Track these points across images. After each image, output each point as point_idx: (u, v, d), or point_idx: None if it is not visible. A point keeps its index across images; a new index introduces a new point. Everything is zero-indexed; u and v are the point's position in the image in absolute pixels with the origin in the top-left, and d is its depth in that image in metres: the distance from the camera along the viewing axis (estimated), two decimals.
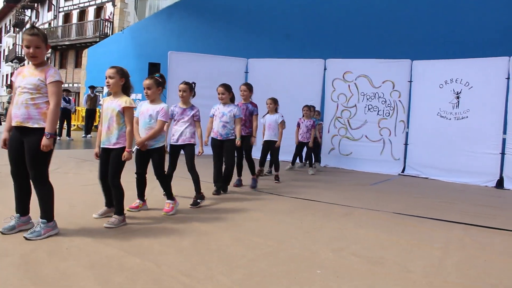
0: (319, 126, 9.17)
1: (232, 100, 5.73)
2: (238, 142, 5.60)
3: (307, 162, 8.73)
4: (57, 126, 3.35)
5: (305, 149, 8.55)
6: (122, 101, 3.77)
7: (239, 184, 6.30)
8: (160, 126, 4.24)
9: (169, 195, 4.46)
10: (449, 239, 4.00)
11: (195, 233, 3.68)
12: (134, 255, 2.98)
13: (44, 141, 3.17)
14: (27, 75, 3.27)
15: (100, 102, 3.87)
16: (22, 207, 3.41)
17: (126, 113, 3.77)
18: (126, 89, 3.91)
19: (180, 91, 4.97)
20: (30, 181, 3.34)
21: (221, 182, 5.61)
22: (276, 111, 7.13)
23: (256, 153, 6.97)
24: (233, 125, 5.58)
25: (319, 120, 9.44)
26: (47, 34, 32.30)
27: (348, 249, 3.46)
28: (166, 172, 4.63)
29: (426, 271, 3.05)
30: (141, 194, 4.48)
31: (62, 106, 10.53)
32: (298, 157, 8.75)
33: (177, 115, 4.95)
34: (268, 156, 7.16)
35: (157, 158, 4.32)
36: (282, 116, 7.11)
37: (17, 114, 3.21)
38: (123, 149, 3.77)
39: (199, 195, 4.89)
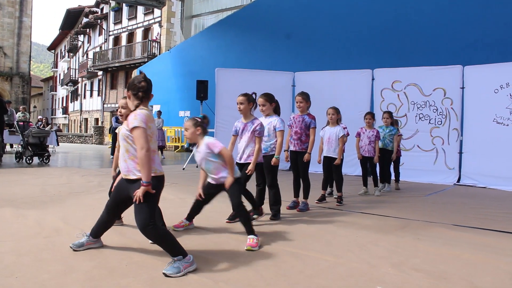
0: (398, 137, 7.82)
1: (276, 111, 5.04)
2: (274, 160, 4.80)
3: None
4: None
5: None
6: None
7: (292, 206, 5.56)
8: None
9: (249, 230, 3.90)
10: None
11: None
12: (191, 272, 3.00)
13: (139, 191, 3.06)
14: (121, 126, 3.34)
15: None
16: (96, 232, 3.48)
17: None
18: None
19: (237, 103, 4.63)
20: (114, 216, 3.47)
21: (275, 206, 4.93)
22: (338, 122, 6.24)
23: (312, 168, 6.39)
24: (274, 139, 4.88)
25: (397, 129, 7.77)
26: (99, 57, 33.89)
27: (408, 263, 3.35)
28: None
29: (495, 287, 2.90)
30: (191, 215, 4.36)
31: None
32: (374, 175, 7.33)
33: (239, 131, 4.72)
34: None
35: (230, 190, 3.97)
36: (345, 129, 6.28)
37: (122, 168, 3.24)
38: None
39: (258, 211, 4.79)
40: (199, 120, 4.07)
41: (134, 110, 3.12)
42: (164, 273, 2.92)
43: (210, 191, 4.13)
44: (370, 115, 7.19)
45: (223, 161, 3.92)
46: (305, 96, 5.51)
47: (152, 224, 3.05)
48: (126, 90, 3.24)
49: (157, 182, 3.12)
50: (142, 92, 3.12)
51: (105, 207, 3.44)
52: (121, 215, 4.04)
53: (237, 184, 3.91)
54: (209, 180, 4.11)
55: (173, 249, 3.09)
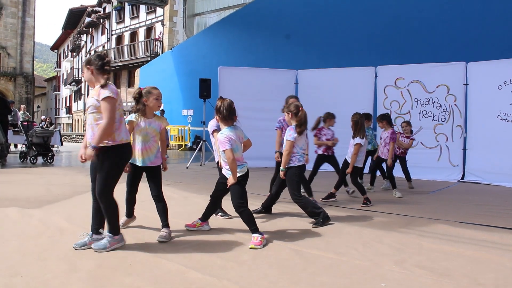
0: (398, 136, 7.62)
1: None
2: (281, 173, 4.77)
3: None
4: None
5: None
6: None
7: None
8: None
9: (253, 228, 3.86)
10: None
11: None
12: (195, 270, 3.01)
13: (88, 151, 3.25)
14: (89, 97, 3.44)
15: None
16: (96, 226, 3.54)
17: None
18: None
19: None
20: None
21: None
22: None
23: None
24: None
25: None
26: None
27: (411, 260, 3.35)
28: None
29: (498, 284, 2.90)
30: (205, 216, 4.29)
31: None
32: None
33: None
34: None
35: (231, 190, 3.93)
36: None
37: (88, 136, 3.39)
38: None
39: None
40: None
41: (105, 84, 3.33)
42: (91, 247, 3.38)
43: (224, 180, 4.01)
44: (377, 118, 7.14)
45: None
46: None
47: (109, 193, 3.38)
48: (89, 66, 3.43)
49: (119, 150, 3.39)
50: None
51: (91, 193, 3.56)
52: (134, 213, 4.24)
53: (238, 185, 3.85)
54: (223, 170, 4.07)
55: (111, 224, 3.42)
